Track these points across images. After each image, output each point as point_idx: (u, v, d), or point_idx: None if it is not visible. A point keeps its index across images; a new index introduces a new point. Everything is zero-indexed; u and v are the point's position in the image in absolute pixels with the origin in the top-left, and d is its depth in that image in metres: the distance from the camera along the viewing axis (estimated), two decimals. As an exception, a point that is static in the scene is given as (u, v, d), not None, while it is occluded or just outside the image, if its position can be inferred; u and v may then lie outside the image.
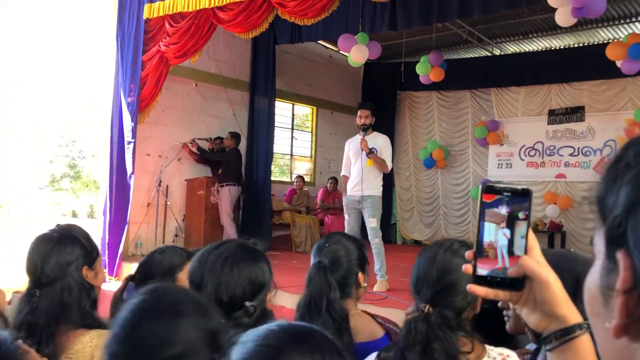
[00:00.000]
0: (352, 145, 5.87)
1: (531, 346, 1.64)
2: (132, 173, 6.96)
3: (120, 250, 6.91)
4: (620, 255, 0.46)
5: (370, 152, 5.62)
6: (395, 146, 10.09)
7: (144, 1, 6.72)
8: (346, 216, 5.86)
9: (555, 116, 9.51)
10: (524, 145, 9.83)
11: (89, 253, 1.89)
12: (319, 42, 10.02)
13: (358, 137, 5.76)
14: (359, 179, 5.65)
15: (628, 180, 0.46)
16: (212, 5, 6.15)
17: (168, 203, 8.04)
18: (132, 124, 6.94)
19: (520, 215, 0.80)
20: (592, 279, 0.52)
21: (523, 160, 9.86)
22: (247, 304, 1.34)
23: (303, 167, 10.99)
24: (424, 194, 10.79)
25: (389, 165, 5.75)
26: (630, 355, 0.46)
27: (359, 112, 5.77)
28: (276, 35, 8.49)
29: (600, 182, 0.50)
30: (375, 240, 5.58)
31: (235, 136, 8.39)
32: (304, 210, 9.42)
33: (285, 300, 4.79)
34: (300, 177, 9.68)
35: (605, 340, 0.50)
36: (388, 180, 8.52)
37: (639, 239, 0.44)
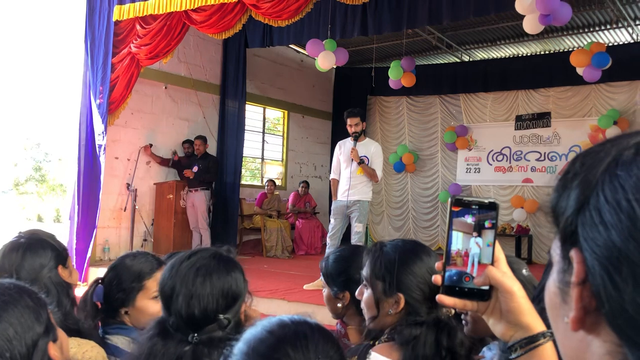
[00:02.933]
0: (343, 150, 5.76)
1: (484, 352, 1.64)
2: (102, 176, 6.87)
3: (88, 255, 6.80)
4: (573, 253, 0.50)
5: (361, 162, 5.54)
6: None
7: (114, 3, 6.64)
8: (332, 220, 5.73)
9: (522, 122, 9.69)
10: (492, 150, 9.99)
11: (60, 253, 1.90)
12: (290, 46, 10.03)
13: (350, 142, 5.67)
14: (348, 186, 5.58)
15: (576, 186, 0.51)
16: (183, 9, 6.10)
17: (137, 207, 7.93)
18: (103, 126, 6.84)
19: (487, 224, 0.82)
20: (551, 281, 0.56)
21: (491, 164, 10.02)
22: (221, 316, 1.32)
23: (274, 171, 10.98)
24: (394, 198, 10.87)
25: (379, 175, 5.69)
26: (586, 346, 0.51)
27: (348, 121, 5.64)
28: (247, 38, 8.45)
29: (552, 193, 0.55)
30: (358, 244, 5.57)
31: (206, 140, 8.31)
32: (274, 215, 9.40)
33: (258, 306, 4.78)
34: (271, 181, 9.66)
35: (564, 337, 0.54)
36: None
37: (587, 234, 0.48)
